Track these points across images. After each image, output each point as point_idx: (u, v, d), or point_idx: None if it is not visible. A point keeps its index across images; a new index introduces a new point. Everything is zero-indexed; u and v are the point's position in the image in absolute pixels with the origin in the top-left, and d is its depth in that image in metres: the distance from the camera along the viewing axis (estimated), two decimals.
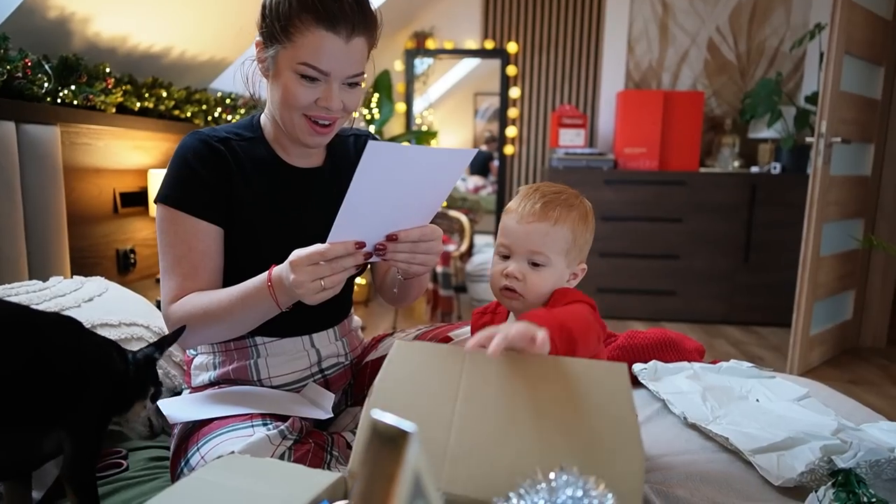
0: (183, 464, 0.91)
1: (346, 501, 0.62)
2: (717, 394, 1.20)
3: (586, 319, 0.82)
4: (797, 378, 1.33)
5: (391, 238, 0.91)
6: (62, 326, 0.79)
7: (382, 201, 0.86)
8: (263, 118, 1.13)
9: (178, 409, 0.99)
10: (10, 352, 0.71)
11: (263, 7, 1.00)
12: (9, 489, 0.82)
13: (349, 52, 0.97)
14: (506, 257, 0.97)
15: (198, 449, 0.90)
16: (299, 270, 0.85)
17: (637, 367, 1.35)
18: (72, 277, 1.41)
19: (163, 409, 0.98)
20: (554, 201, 0.95)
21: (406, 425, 0.35)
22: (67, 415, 0.75)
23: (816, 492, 0.82)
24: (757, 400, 1.20)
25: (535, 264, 0.95)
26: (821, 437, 0.98)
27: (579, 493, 0.52)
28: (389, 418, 0.35)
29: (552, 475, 0.53)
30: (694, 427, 1.11)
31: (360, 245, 0.88)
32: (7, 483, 0.82)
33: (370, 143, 0.78)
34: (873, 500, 0.75)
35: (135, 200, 2.27)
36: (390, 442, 0.35)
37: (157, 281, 2.32)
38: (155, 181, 2.27)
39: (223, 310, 0.96)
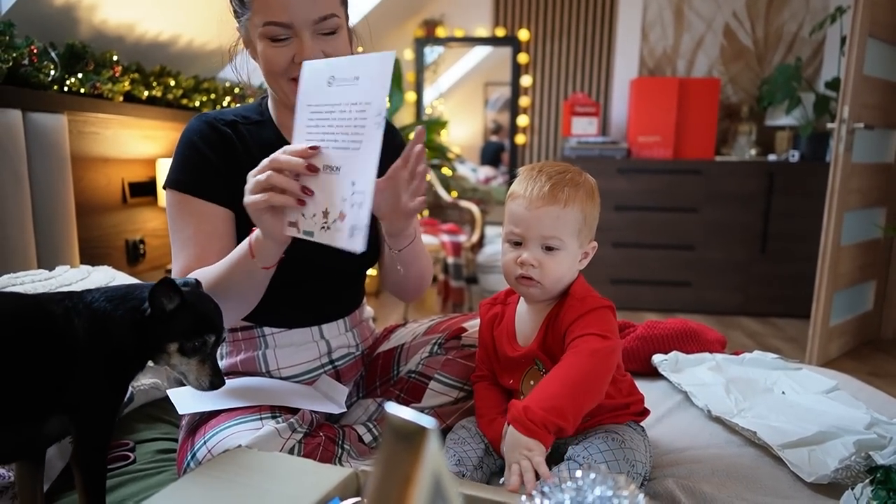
0: (189, 457, 0.89)
1: (358, 499, 0.59)
2: (741, 386, 1.16)
3: (578, 376, 0.83)
4: (824, 370, 1.29)
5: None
6: (33, 311, 0.73)
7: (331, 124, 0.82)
8: (269, 101, 1.10)
9: (185, 400, 0.96)
10: None
11: None
12: (19, 468, 0.80)
13: None
14: (517, 244, 0.94)
15: (204, 442, 0.88)
16: (251, 179, 0.82)
17: (657, 357, 1.31)
18: (69, 267, 1.39)
19: (171, 398, 0.95)
20: (560, 182, 0.91)
21: (425, 421, 0.31)
22: (59, 402, 0.71)
23: (853, 489, 0.78)
24: (783, 392, 1.16)
25: (549, 248, 0.91)
26: (854, 432, 0.93)
27: (609, 493, 0.48)
28: (407, 413, 0.32)
29: (579, 473, 0.50)
30: (718, 420, 1.07)
31: (315, 149, 0.82)
32: (18, 463, 0.80)
33: (305, 63, 0.78)
34: None
35: (144, 190, 2.25)
36: (406, 440, 0.32)
37: (168, 271, 2.30)
38: (164, 171, 2.25)
39: (217, 278, 0.91)
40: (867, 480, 0.77)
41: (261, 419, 0.92)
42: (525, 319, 0.99)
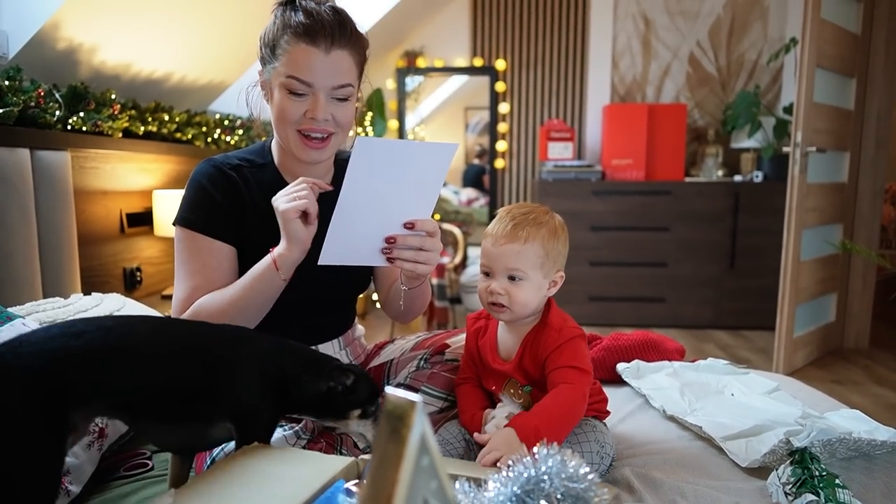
0: (209, 462, 1.00)
1: (358, 481, 0.71)
2: (694, 389, 1.30)
3: (568, 406, 0.98)
4: (769, 374, 1.43)
5: (390, 241, 0.97)
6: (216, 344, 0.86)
7: (376, 198, 0.92)
8: (273, 144, 1.19)
9: None
10: (183, 368, 0.81)
11: (260, 38, 1.09)
12: (174, 457, 0.90)
13: (330, 63, 1.03)
14: (487, 275, 1.09)
15: (223, 450, 0.99)
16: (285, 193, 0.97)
17: (621, 366, 1.44)
18: (82, 295, 1.49)
19: None
20: (523, 222, 1.05)
21: (414, 397, 0.44)
22: (221, 412, 0.83)
23: (777, 470, 0.91)
24: (732, 394, 1.30)
25: (512, 279, 1.05)
26: (785, 424, 1.07)
27: (558, 463, 0.61)
28: (400, 392, 0.45)
29: (535, 449, 0.63)
30: (672, 419, 1.20)
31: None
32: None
33: (359, 138, 0.85)
34: (824, 473, 0.85)
35: (140, 220, 2.36)
36: (401, 410, 0.45)
37: (163, 298, 2.40)
38: (159, 202, 2.36)
39: (236, 296, 1.02)
40: (788, 462, 0.91)
41: None
42: (506, 338, 1.13)
